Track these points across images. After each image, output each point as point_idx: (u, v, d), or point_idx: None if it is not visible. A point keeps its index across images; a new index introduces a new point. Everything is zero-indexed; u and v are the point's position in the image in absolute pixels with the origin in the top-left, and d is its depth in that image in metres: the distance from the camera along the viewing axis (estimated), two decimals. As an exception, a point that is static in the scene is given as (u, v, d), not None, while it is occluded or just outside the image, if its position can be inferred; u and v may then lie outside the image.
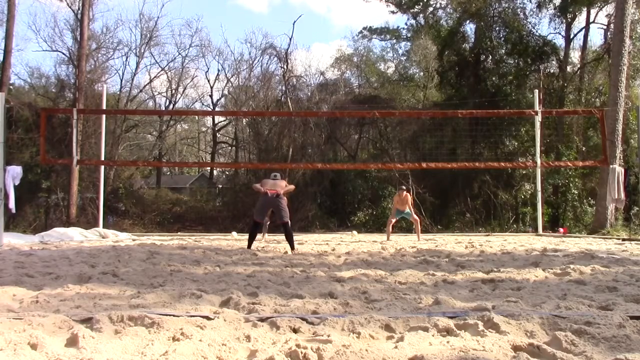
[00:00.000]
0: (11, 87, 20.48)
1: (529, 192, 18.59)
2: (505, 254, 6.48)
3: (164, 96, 26.93)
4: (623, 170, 11.71)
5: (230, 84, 26.52)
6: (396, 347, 2.01)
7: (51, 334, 2.14)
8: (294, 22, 31.57)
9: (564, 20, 22.34)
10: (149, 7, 60.04)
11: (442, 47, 22.20)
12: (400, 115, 19.06)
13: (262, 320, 2.45)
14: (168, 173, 35.05)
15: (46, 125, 12.25)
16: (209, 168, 28.48)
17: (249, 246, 7.57)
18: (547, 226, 15.24)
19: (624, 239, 10.57)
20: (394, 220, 11.23)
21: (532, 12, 22.14)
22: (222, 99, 27.78)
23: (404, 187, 11.93)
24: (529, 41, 21.29)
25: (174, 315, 2.42)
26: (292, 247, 7.31)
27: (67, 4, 21.63)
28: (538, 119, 12.67)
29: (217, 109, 26.97)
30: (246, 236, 9.01)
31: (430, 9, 25.82)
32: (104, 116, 14.79)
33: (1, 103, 8.53)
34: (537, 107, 12.96)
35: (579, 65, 22.73)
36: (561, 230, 14.83)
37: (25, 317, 2.34)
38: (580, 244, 8.69)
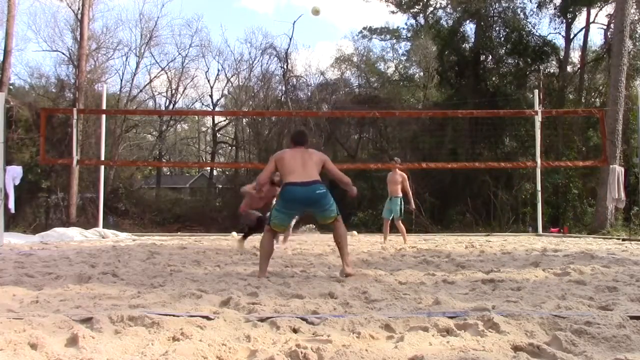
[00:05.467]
0: (11, 87, 20.47)
1: (529, 192, 18.58)
2: (505, 254, 6.48)
3: (164, 96, 26.92)
4: (623, 170, 11.71)
5: (230, 84, 26.52)
6: (396, 347, 2.01)
7: (51, 334, 2.14)
8: (294, 22, 31.53)
9: (564, 20, 22.35)
10: (149, 7, 59.92)
11: (442, 47, 22.19)
12: (400, 115, 19.06)
13: (262, 320, 2.45)
14: (168, 173, 35.03)
15: (46, 125, 12.25)
16: (209, 168, 28.48)
17: (244, 239, 7.23)
18: (547, 226, 15.24)
19: (624, 239, 10.57)
20: (388, 219, 9.09)
21: (532, 12, 22.19)
22: (222, 99, 27.78)
23: (396, 159, 9.70)
24: (529, 41, 21.29)
25: (174, 315, 2.42)
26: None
27: (67, 4, 21.66)
28: (538, 119, 12.67)
29: (217, 109, 26.97)
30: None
31: (430, 9, 25.84)
32: (104, 116, 14.77)
33: (1, 103, 8.53)
34: (537, 107, 12.97)
35: (579, 65, 22.73)
36: (552, 229, 14.86)
37: (25, 317, 2.34)
38: (580, 244, 8.69)
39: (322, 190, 4.31)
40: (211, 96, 27.12)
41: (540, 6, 22.05)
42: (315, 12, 10.56)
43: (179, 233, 15.42)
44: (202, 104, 27.43)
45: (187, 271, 4.62)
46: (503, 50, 21.76)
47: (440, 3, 25.24)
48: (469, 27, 22.95)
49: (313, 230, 13.26)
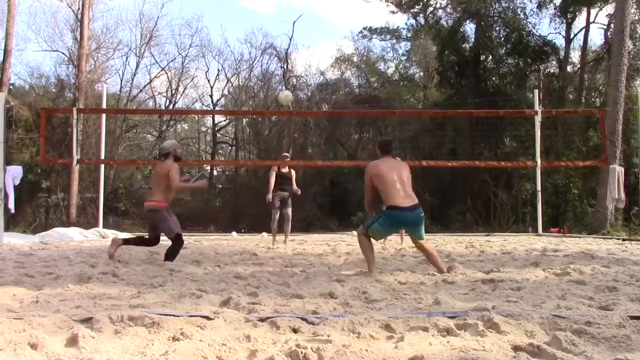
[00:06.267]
0: (11, 87, 20.43)
1: (529, 192, 18.57)
2: (505, 254, 6.48)
3: (164, 96, 26.87)
4: (623, 170, 11.69)
5: (230, 84, 26.49)
6: (396, 347, 2.01)
7: (51, 334, 2.14)
8: (294, 22, 31.49)
9: (564, 20, 22.33)
10: (149, 7, 59.80)
11: (442, 47, 22.18)
12: (400, 115, 19.06)
13: (262, 320, 2.45)
14: (168, 173, 34.97)
15: (46, 125, 12.23)
16: (208, 168, 28.45)
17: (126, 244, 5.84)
18: (547, 226, 15.22)
19: (624, 239, 10.56)
20: None
21: (532, 12, 22.14)
22: (222, 99, 27.74)
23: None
24: (529, 41, 21.27)
25: (174, 315, 2.42)
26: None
27: (67, 4, 21.60)
28: (538, 119, 12.64)
29: (217, 109, 26.95)
30: (246, 236, 8.99)
31: (430, 9, 25.81)
32: (104, 116, 14.77)
33: (1, 103, 8.53)
34: (537, 107, 12.95)
35: (579, 65, 22.71)
36: (552, 229, 14.86)
37: (25, 317, 2.34)
38: (580, 244, 8.69)
39: (423, 214, 4.69)
40: (211, 96, 27.08)
41: (540, 6, 22.02)
42: (285, 98, 10.91)
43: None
44: (202, 104, 27.38)
45: (187, 271, 4.62)
46: (503, 50, 21.75)
47: (440, 3, 25.24)
48: (469, 27, 22.94)
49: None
